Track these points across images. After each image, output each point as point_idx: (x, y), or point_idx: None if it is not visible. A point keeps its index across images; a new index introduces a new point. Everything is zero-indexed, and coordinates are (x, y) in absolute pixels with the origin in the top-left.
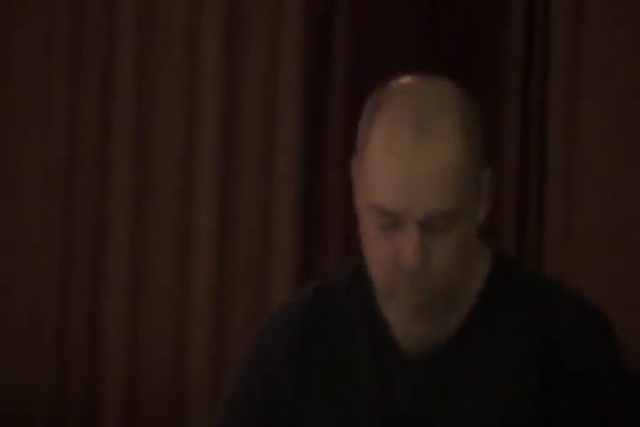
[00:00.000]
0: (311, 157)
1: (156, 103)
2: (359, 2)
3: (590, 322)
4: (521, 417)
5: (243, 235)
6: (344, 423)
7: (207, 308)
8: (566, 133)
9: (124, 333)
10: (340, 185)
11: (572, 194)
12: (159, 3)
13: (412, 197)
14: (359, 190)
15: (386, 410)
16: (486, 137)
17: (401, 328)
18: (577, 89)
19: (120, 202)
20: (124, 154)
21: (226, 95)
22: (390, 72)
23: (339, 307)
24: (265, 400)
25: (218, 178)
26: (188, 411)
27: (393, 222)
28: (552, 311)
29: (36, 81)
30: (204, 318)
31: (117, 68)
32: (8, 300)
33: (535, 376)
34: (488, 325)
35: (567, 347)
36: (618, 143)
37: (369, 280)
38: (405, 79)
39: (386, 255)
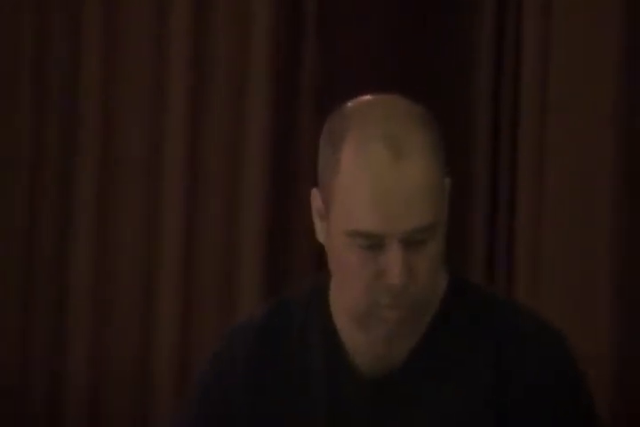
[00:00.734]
0: (279, 169)
1: (122, 107)
2: (328, 13)
3: (545, 339)
4: None
5: (209, 248)
6: None
7: (173, 322)
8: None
9: (88, 345)
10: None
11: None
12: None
13: (392, 217)
14: (329, 218)
15: None
16: (444, 147)
17: (364, 348)
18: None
19: (84, 212)
20: (88, 163)
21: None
22: (359, 78)
23: (295, 325)
24: (221, 419)
25: (185, 189)
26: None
27: (373, 244)
28: (507, 329)
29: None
30: (171, 329)
31: (83, 65)
32: None
33: (490, 394)
34: (444, 343)
35: (522, 364)
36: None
37: (327, 300)
38: (364, 99)
39: (368, 277)
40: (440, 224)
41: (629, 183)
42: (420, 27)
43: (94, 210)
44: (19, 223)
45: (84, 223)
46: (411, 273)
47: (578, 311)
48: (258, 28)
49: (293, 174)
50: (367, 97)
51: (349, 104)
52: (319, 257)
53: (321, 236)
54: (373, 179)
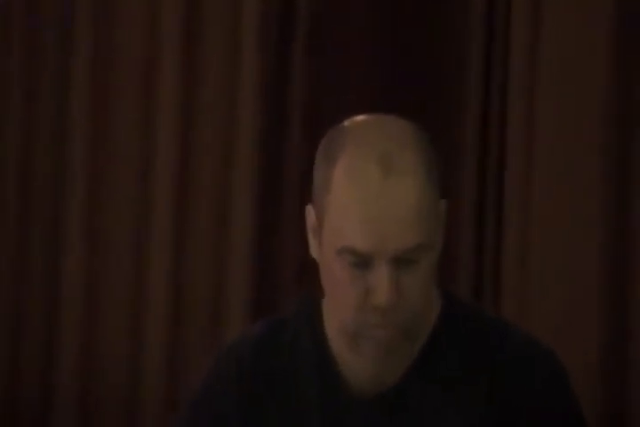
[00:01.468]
0: (268, 181)
1: (112, 113)
2: (317, 28)
3: (539, 360)
4: None
5: (198, 265)
6: None
7: (163, 329)
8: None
9: (78, 359)
10: (299, 213)
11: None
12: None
13: (383, 236)
14: (320, 235)
15: None
16: (440, 169)
17: (357, 369)
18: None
19: (76, 215)
20: (80, 162)
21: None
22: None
23: (289, 344)
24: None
25: (175, 203)
26: None
27: (363, 262)
28: (501, 350)
29: None
30: (161, 338)
31: (73, 71)
32: None
33: (485, 414)
34: (438, 364)
35: (516, 385)
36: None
37: (320, 319)
38: (361, 118)
39: (357, 295)
40: (432, 245)
41: (618, 190)
42: (408, 42)
43: (85, 221)
44: (10, 225)
45: (76, 233)
46: (400, 292)
47: (566, 315)
48: (247, 42)
49: (282, 188)
50: (364, 116)
51: (346, 123)
52: (307, 271)
53: (314, 252)
54: (364, 197)
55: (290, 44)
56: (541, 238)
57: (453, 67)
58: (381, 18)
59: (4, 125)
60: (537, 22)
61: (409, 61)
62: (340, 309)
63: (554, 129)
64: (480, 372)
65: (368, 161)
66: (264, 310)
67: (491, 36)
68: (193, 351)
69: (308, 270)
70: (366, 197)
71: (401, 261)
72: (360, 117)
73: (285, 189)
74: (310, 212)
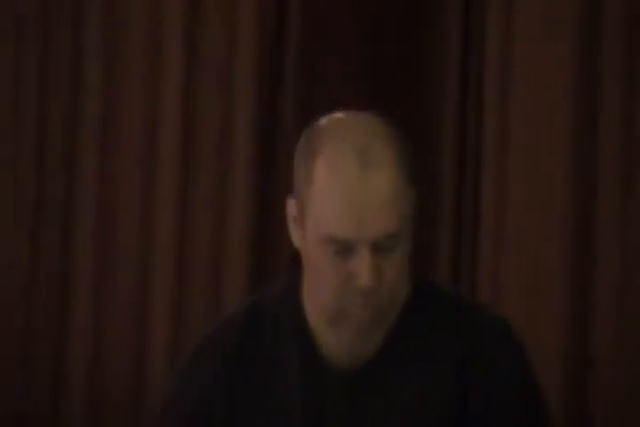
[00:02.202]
0: (264, 178)
1: (120, 111)
2: (309, 32)
3: (503, 334)
4: (442, 425)
5: (199, 254)
6: None
7: (166, 313)
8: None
9: (87, 336)
10: None
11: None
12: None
13: (363, 224)
14: (302, 225)
15: (317, 422)
16: (412, 159)
17: (335, 344)
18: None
19: (86, 208)
20: (90, 156)
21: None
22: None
23: (270, 324)
24: (198, 416)
25: (177, 188)
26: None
27: (345, 249)
28: (468, 326)
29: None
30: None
31: (86, 59)
32: None
33: (452, 386)
34: (410, 339)
35: (483, 357)
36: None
37: (301, 303)
38: (337, 116)
39: (338, 280)
40: (407, 232)
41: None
42: (393, 45)
43: (94, 219)
44: (25, 224)
45: (85, 232)
46: (380, 276)
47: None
48: (244, 46)
49: (277, 184)
50: (340, 114)
51: (324, 120)
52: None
53: (296, 241)
54: (344, 188)
55: (284, 48)
56: (517, 223)
57: (433, 61)
58: (364, 19)
59: (22, 106)
60: (511, 10)
61: (391, 55)
62: (323, 292)
63: (527, 116)
64: (447, 347)
65: (347, 155)
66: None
67: (467, 31)
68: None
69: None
70: (346, 188)
71: (379, 249)
72: (336, 115)
73: (280, 185)
74: (291, 203)
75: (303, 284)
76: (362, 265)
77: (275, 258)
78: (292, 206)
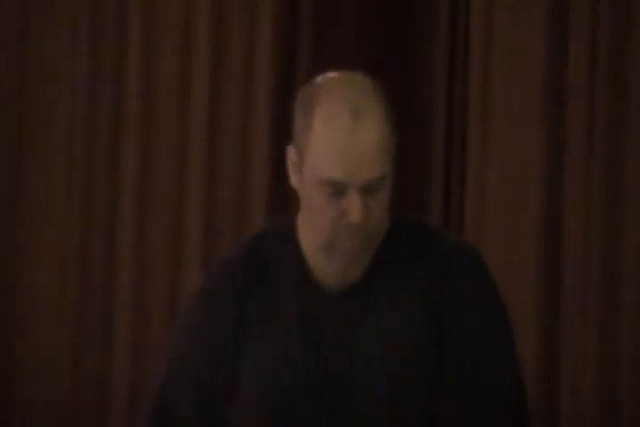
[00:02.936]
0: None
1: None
2: (319, 32)
3: (464, 251)
4: (419, 335)
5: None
6: (280, 353)
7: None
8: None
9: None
10: None
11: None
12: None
13: (354, 169)
14: (300, 170)
15: (313, 339)
16: (394, 114)
17: (328, 270)
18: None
19: (127, 208)
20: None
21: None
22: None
23: (271, 254)
24: (212, 334)
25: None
26: None
27: (338, 190)
28: (438, 252)
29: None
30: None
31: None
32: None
33: (426, 301)
34: (388, 266)
35: (448, 269)
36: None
37: (296, 236)
38: (331, 75)
39: (332, 216)
40: (390, 176)
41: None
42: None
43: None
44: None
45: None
46: (367, 213)
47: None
48: (263, 44)
49: None
50: (333, 73)
51: (320, 78)
52: None
53: (295, 183)
54: (339, 137)
55: (296, 47)
56: (496, 190)
57: (426, 43)
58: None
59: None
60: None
61: (390, 42)
62: (318, 227)
63: (507, 98)
64: (421, 270)
65: (341, 109)
66: None
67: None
68: None
69: None
70: (341, 138)
71: (367, 190)
72: (330, 74)
73: None
74: (291, 150)
75: (298, 222)
76: (353, 204)
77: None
78: (291, 153)
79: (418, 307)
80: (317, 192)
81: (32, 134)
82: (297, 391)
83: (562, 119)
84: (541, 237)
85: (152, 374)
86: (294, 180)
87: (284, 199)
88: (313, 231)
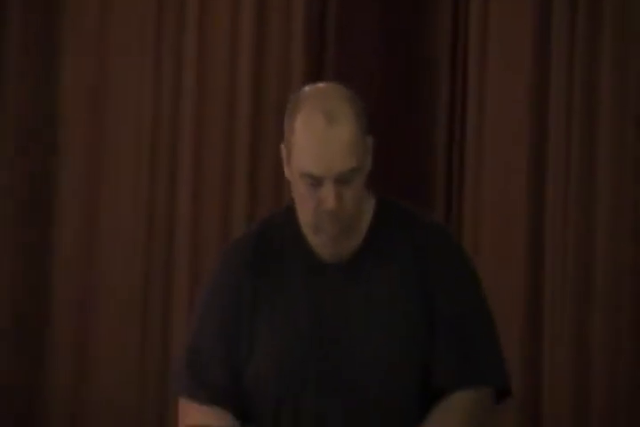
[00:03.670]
0: None
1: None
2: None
3: (442, 232)
4: (409, 304)
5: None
6: (289, 323)
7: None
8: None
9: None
10: None
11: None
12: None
13: (328, 164)
14: (289, 165)
15: (315, 309)
16: (366, 116)
17: (321, 247)
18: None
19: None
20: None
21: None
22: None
23: (278, 235)
24: (234, 295)
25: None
26: None
27: (316, 182)
28: (421, 234)
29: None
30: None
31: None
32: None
33: (411, 277)
34: (376, 244)
35: (429, 246)
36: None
37: (297, 219)
38: (313, 86)
39: (312, 203)
40: (362, 168)
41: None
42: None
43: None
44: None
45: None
46: (341, 201)
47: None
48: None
49: None
50: (315, 85)
51: (304, 88)
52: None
53: (287, 175)
54: (315, 138)
55: (323, 52)
56: (491, 172)
57: (433, 37)
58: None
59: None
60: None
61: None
62: (304, 212)
63: (500, 86)
64: (405, 249)
65: (317, 114)
66: None
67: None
68: None
69: None
70: (316, 138)
71: (341, 181)
72: (313, 85)
73: None
74: (283, 149)
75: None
76: (328, 194)
77: None
78: (283, 150)
79: (406, 274)
80: (300, 183)
81: (106, 135)
82: (304, 357)
83: (545, 121)
84: (528, 232)
85: None
86: (286, 172)
87: None
88: (302, 215)
